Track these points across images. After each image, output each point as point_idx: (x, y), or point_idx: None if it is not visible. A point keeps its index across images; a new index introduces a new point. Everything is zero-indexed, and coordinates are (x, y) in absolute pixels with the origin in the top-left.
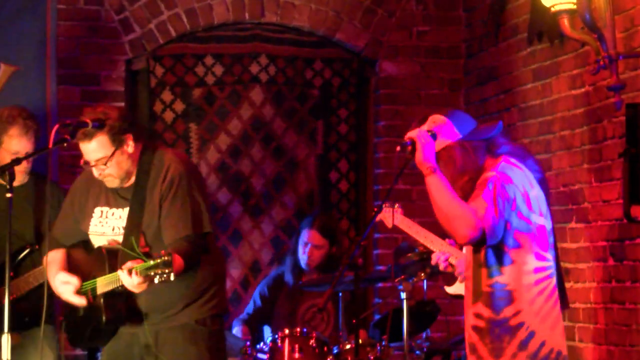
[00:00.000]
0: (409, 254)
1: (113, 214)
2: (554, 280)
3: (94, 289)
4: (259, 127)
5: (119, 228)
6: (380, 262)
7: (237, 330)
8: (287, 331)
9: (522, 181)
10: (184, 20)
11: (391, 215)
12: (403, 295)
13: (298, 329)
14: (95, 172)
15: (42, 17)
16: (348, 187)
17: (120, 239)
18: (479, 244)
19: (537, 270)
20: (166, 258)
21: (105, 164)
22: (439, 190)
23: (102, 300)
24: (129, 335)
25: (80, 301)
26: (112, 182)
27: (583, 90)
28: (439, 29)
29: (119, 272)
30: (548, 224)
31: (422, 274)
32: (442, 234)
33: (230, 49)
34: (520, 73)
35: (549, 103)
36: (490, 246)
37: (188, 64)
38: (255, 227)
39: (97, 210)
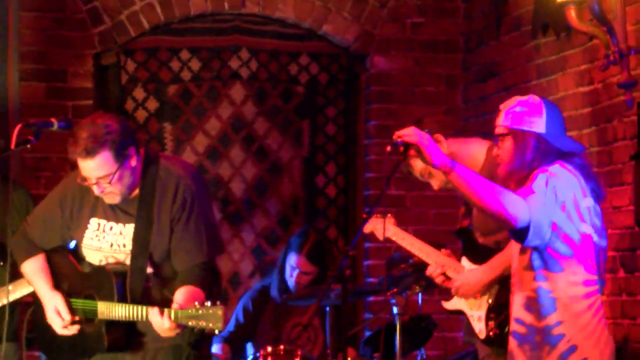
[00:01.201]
0: (403, 265)
1: (111, 229)
2: (601, 297)
3: (90, 311)
4: (239, 127)
5: (118, 245)
6: (371, 274)
7: (216, 348)
8: (269, 349)
9: (573, 187)
10: (157, 10)
11: (382, 227)
12: (396, 309)
13: (282, 346)
14: (96, 190)
15: (2, 8)
16: (336, 193)
17: (119, 256)
18: (523, 236)
19: (587, 283)
20: (218, 312)
21: (109, 182)
22: (468, 182)
23: (103, 327)
24: (114, 355)
25: (70, 333)
26: (113, 199)
27: (591, 87)
28: (435, 20)
29: (150, 311)
30: (603, 242)
31: (417, 287)
32: (438, 244)
33: (208, 42)
34: (524, 69)
35: (554, 101)
36: (537, 249)
37: (162, 58)
38: (235, 236)
39: (93, 221)
